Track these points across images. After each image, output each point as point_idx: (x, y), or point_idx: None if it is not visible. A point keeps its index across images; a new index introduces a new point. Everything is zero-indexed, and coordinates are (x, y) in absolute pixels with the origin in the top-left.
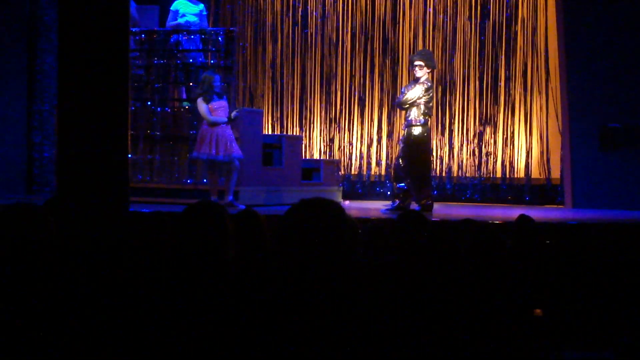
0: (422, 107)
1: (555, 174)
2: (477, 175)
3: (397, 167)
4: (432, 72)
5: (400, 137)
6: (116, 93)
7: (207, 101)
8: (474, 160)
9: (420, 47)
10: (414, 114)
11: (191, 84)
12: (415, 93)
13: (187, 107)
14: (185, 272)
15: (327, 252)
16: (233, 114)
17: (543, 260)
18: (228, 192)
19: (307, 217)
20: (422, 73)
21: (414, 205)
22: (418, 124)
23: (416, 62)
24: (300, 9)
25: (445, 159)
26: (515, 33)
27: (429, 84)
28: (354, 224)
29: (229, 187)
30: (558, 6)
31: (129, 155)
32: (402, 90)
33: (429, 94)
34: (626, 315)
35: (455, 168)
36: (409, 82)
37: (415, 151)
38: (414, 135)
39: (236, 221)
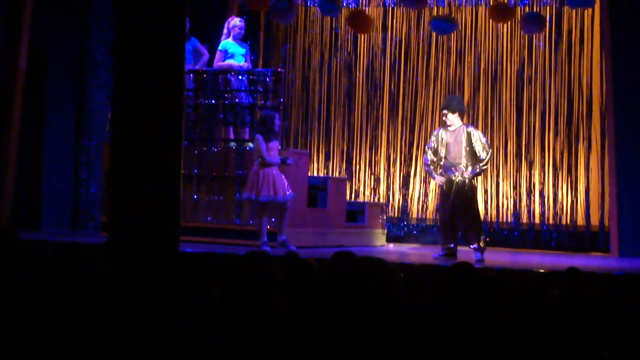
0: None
1: (598, 220)
2: (522, 221)
3: (454, 213)
4: (460, 115)
5: (454, 185)
6: (170, 132)
7: (267, 140)
8: (518, 206)
9: (466, 89)
10: (467, 161)
11: (240, 124)
12: (486, 149)
13: (251, 148)
14: (234, 322)
15: (374, 310)
16: (288, 160)
17: (590, 312)
18: (281, 232)
19: (355, 280)
20: (452, 119)
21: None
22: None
23: (443, 112)
24: (347, 50)
25: (488, 205)
26: (559, 77)
27: (474, 129)
28: (400, 282)
29: (282, 228)
30: (607, 54)
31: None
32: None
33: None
34: None
35: (495, 213)
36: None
37: (472, 196)
38: (470, 180)
39: (287, 271)
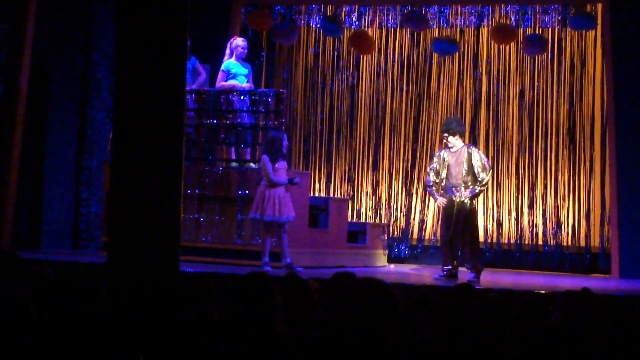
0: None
1: (599, 242)
2: (524, 242)
3: (454, 233)
4: (461, 136)
5: (455, 206)
6: (171, 152)
7: (274, 161)
8: (519, 227)
9: (468, 110)
10: (467, 181)
11: (242, 145)
12: (485, 170)
13: (253, 168)
14: (234, 342)
15: (371, 330)
16: (295, 179)
17: (591, 334)
18: (284, 255)
19: (354, 302)
20: (453, 141)
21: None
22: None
23: (444, 135)
24: (349, 70)
25: (490, 226)
26: (561, 99)
27: (476, 152)
28: (400, 303)
29: (284, 251)
30: (608, 75)
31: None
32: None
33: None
34: None
35: (497, 234)
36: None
37: (472, 217)
38: (470, 201)
39: (287, 292)
